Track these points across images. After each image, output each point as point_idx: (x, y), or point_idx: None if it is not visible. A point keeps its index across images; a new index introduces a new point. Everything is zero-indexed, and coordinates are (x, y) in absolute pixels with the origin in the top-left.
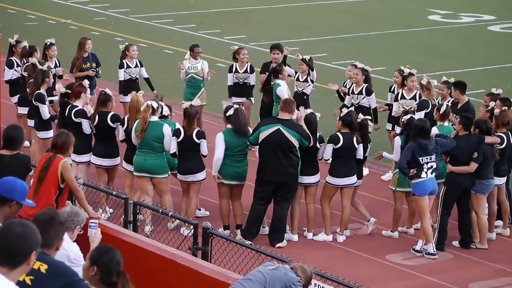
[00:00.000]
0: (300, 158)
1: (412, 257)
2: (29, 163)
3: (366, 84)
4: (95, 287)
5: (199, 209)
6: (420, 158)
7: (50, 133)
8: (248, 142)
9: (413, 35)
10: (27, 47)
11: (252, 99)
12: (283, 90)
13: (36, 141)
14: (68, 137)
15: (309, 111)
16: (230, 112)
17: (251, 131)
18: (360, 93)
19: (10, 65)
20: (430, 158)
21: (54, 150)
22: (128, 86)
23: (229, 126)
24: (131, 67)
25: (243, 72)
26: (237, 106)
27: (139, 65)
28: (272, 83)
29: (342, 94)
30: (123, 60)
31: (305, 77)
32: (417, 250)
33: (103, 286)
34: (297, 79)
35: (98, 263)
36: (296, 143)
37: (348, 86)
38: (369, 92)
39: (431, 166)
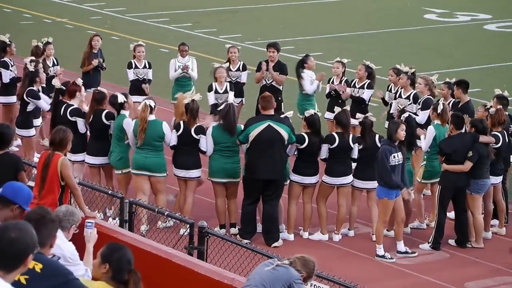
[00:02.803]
0: (291, 157)
1: (408, 256)
2: (19, 163)
3: (369, 80)
4: (107, 284)
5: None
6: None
7: (32, 131)
8: (238, 141)
9: (409, 34)
10: (41, 46)
11: (243, 99)
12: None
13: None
14: (66, 134)
15: (312, 111)
16: (221, 107)
17: (242, 127)
18: (362, 87)
19: (4, 66)
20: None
21: (53, 147)
22: (135, 86)
23: (221, 121)
24: (138, 68)
25: (236, 71)
26: (231, 102)
27: (147, 66)
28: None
29: (332, 91)
30: (132, 60)
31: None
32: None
33: (115, 284)
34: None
35: (110, 260)
36: (286, 137)
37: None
38: (369, 87)
39: None
